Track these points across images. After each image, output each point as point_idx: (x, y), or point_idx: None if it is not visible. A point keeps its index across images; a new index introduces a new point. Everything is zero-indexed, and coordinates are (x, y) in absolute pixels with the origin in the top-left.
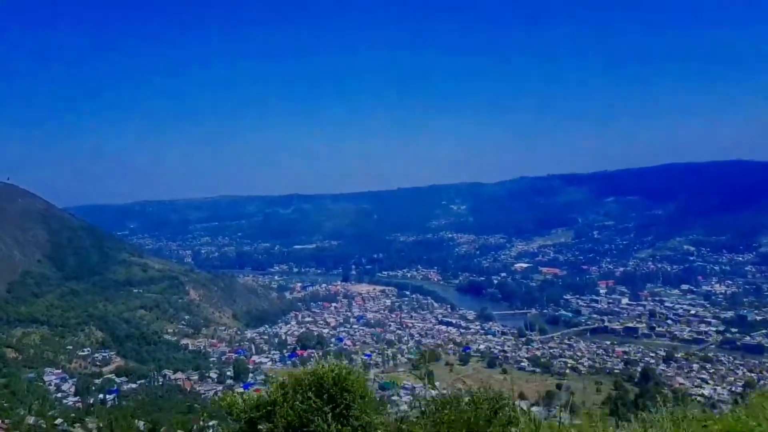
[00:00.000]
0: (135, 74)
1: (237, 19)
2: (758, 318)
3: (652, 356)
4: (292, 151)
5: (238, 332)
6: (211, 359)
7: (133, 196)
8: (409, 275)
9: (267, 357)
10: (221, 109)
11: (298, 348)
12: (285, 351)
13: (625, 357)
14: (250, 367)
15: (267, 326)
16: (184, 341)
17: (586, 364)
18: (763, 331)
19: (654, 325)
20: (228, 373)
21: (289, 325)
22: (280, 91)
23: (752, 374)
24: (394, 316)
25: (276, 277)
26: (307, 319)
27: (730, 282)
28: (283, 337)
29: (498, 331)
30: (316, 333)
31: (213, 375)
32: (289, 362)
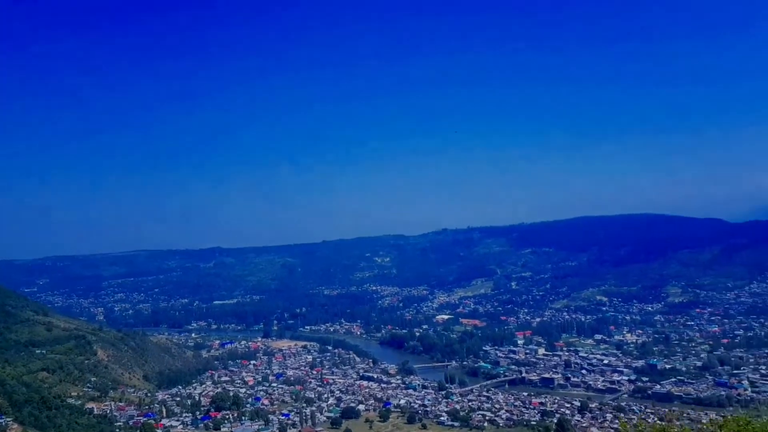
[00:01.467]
0: (46, 127)
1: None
2: (667, 366)
3: (567, 407)
4: (214, 204)
5: (149, 394)
6: (117, 424)
7: (44, 251)
8: (332, 329)
9: (178, 420)
10: (139, 161)
11: (212, 409)
12: (198, 413)
13: (542, 408)
14: (159, 431)
15: (180, 387)
16: (89, 405)
17: (504, 416)
18: (672, 379)
19: (569, 375)
20: None
21: (204, 386)
22: (199, 144)
23: (662, 422)
24: (315, 372)
25: (193, 335)
26: (224, 378)
27: (641, 331)
28: (197, 398)
29: (419, 384)
30: (232, 393)
31: None
32: (201, 425)
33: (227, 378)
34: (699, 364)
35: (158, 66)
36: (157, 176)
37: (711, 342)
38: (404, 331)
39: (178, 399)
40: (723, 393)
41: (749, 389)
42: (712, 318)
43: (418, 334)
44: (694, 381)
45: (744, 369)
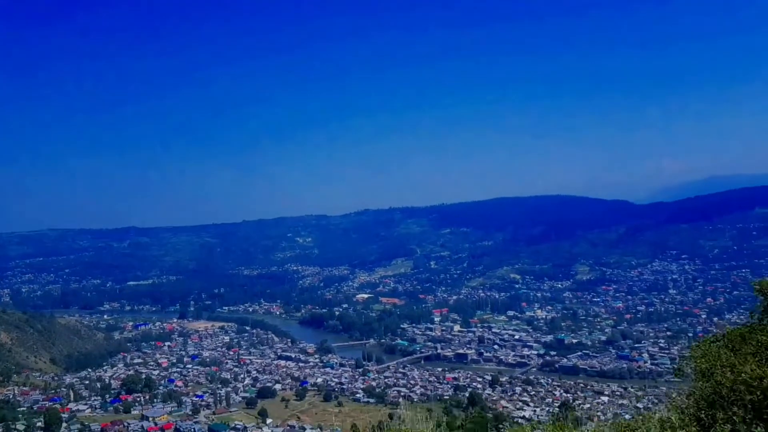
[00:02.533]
0: None
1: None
2: (574, 341)
3: (479, 381)
4: (129, 181)
5: (56, 378)
6: (21, 409)
7: None
8: (251, 310)
9: (86, 404)
10: (50, 137)
11: (123, 392)
12: (108, 396)
13: (455, 383)
14: (65, 415)
15: (90, 370)
16: None
17: (418, 391)
18: (578, 353)
19: (482, 350)
20: (38, 423)
21: (115, 368)
22: (116, 122)
23: (568, 394)
24: (231, 353)
25: (105, 317)
26: (137, 360)
27: (551, 307)
28: (107, 381)
29: (336, 363)
30: (144, 375)
31: (20, 426)
32: (111, 408)
33: (140, 360)
34: (603, 338)
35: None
36: (68, 154)
37: (615, 317)
38: (324, 310)
39: (87, 382)
40: (624, 365)
41: (648, 362)
42: (617, 294)
43: (337, 313)
44: (598, 354)
45: (644, 343)
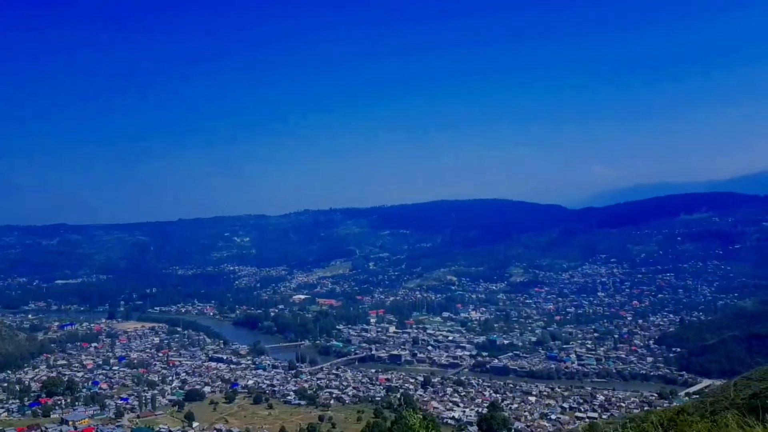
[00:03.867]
0: None
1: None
2: (506, 342)
3: (412, 382)
4: (60, 177)
5: None
6: None
7: None
8: (184, 310)
9: (2, 407)
10: None
11: (43, 395)
12: (27, 399)
13: (388, 384)
14: None
15: (9, 372)
16: None
17: (350, 393)
18: (509, 353)
19: (416, 351)
20: None
21: (36, 370)
22: (45, 118)
23: (497, 395)
24: (161, 354)
25: (30, 316)
26: (61, 362)
27: (485, 309)
28: (27, 384)
29: (269, 365)
30: (66, 377)
31: None
32: (29, 411)
33: (64, 362)
34: (534, 339)
35: None
36: None
37: (546, 319)
38: (259, 311)
39: (5, 385)
40: (553, 366)
41: (576, 362)
42: (548, 296)
43: (273, 314)
44: (528, 355)
45: (572, 344)
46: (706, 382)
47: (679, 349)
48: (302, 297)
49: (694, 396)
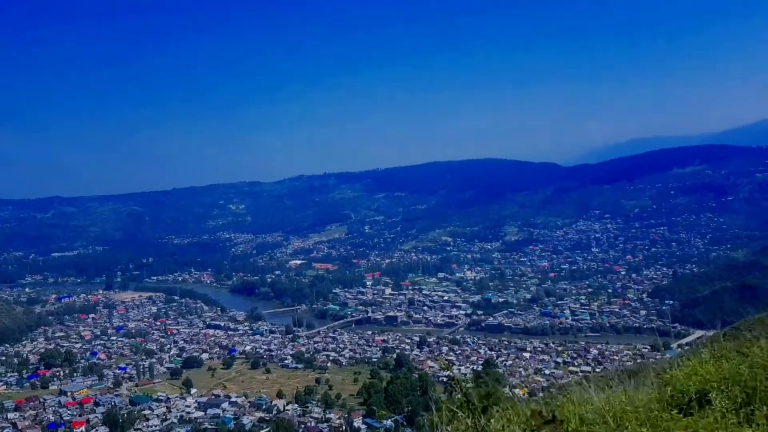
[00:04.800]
0: None
1: None
2: (500, 300)
3: (408, 342)
4: (53, 149)
5: None
6: None
7: None
8: (180, 279)
9: (1, 381)
10: None
11: (41, 367)
12: (25, 372)
13: (384, 345)
14: None
15: (7, 346)
16: None
17: (347, 355)
18: (504, 311)
19: (412, 312)
20: None
21: (35, 343)
22: (37, 89)
23: (492, 352)
24: (158, 323)
25: (27, 290)
26: (59, 334)
27: (480, 268)
28: (25, 357)
29: (266, 330)
30: (64, 349)
31: None
32: (28, 384)
33: (62, 333)
34: (528, 296)
35: None
36: None
37: (540, 276)
38: (256, 277)
39: (3, 358)
40: (547, 322)
41: (570, 318)
42: (543, 254)
43: (269, 280)
44: (522, 312)
45: (567, 300)
46: (698, 333)
47: (671, 302)
48: (298, 262)
49: (686, 347)
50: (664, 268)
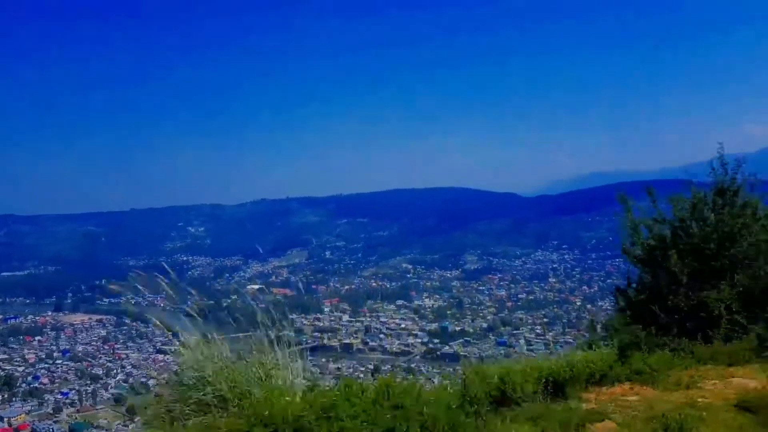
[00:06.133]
0: None
1: None
2: (457, 329)
3: (362, 370)
4: (8, 166)
5: None
6: None
7: None
8: (133, 302)
9: None
10: None
11: None
12: None
13: (338, 373)
14: None
15: None
16: None
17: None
18: (460, 340)
19: (368, 340)
20: None
21: None
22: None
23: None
24: (107, 347)
25: None
26: (1, 356)
27: (438, 296)
28: None
29: None
30: (5, 372)
31: None
32: None
33: (5, 356)
34: (485, 325)
35: None
36: None
37: (497, 305)
38: (212, 302)
39: None
40: (502, 351)
41: (525, 347)
42: (501, 283)
43: (225, 304)
44: (478, 341)
45: (522, 329)
46: None
47: None
48: (256, 287)
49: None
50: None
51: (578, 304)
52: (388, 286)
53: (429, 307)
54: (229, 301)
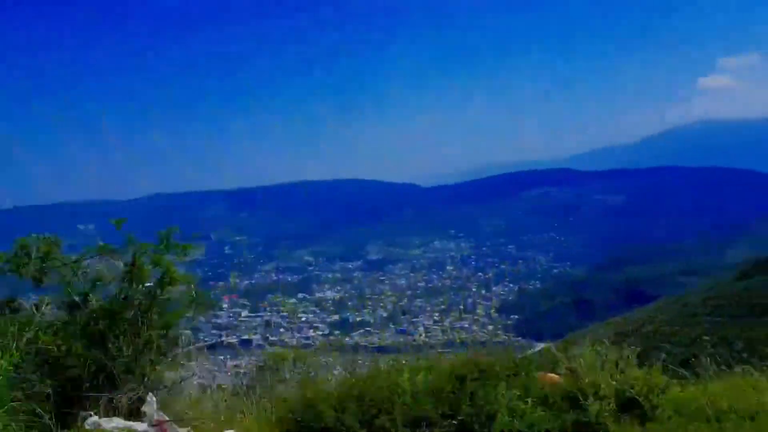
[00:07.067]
0: None
1: None
2: (358, 319)
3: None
4: None
5: None
6: None
7: None
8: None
9: None
10: None
11: None
12: None
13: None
14: None
15: None
16: None
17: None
18: (361, 330)
19: (268, 335)
20: None
21: None
22: None
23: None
24: None
25: None
26: None
27: (340, 288)
28: None
29: None
30: None
31: None
32: None
33: None
34: (385, 315)
35: None
36: None
37: (398, 294)
38: None
39: None
40: (401, 340)
41: (423, 335)
42: (402, 272)
43: None
44: (378, 331)
45: (421, 317)
46: (540, 346)
47: (517, 317)
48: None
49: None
50: (511, 285)
51: (474, 290)
52: (289, 279)
53: (330, 299)
54: None
